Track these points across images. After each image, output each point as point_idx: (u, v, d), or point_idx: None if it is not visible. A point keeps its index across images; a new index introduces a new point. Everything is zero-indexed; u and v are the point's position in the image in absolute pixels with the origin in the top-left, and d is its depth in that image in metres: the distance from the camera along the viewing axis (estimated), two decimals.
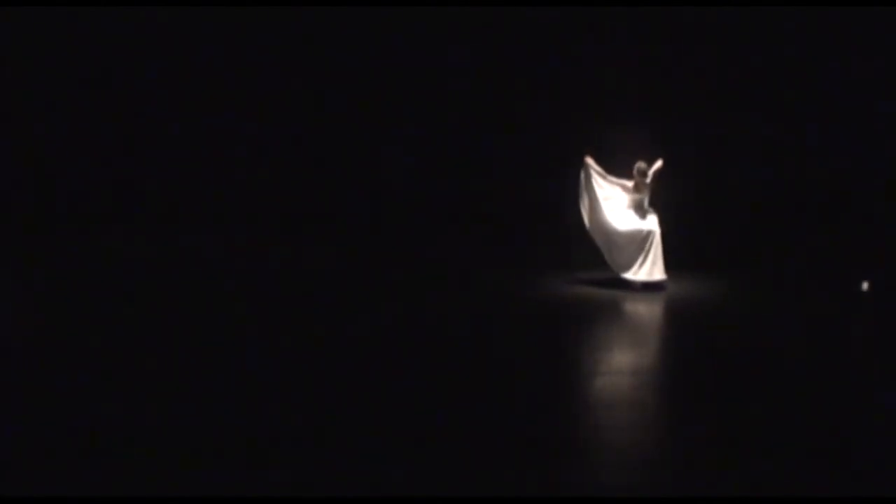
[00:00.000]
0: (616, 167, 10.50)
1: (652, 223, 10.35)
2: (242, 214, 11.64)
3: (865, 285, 9.29)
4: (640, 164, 10.33)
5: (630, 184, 10.36)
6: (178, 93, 11.73)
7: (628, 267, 10.34)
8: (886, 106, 10.09)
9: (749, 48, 11.76)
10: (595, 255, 10.59)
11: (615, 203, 10.48)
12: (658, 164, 10.40)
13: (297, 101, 11.97)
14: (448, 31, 11.78)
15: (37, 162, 11.52)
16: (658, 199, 10.51)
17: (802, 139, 11.31)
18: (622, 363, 7.73)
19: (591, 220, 10.47)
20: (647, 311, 9.66)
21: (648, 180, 10.33)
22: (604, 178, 10.44)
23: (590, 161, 10.43)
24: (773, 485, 4.71)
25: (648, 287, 10.24)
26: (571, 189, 10.62)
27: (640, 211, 10.40)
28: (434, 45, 11.87)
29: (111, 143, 11.69)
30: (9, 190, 11.48)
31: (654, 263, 10.27)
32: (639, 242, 10.28)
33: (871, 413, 6.09)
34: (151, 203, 11.69)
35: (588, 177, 10.43)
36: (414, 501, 4.48)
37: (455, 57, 11.89)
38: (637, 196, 10.36)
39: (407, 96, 11.94)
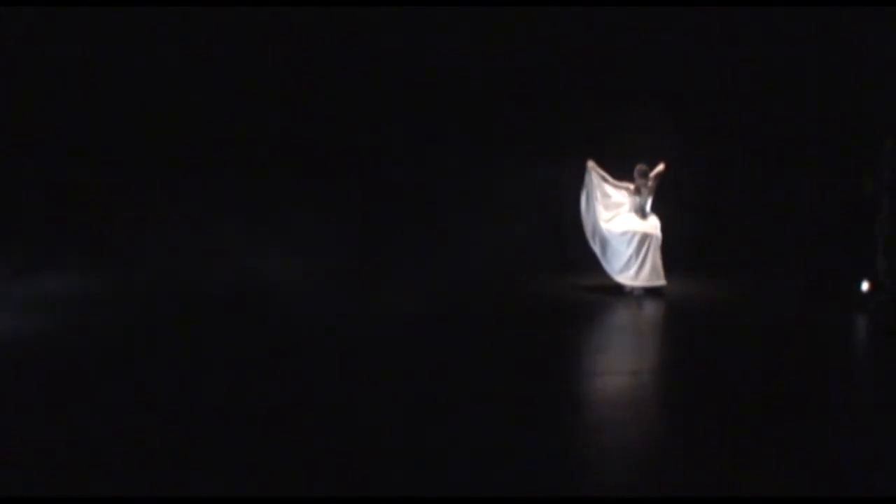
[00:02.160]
0: (621, 169, 10.52)
1: (650, 226, 10.26)
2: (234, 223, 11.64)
3: (866, 285, 9.28)
4: (641, 166, 10.27)
5: (632, 186, 10.30)
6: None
7: (623, 270, 10.21)
8: (885, 105, 10.06)
9: (750, 48, 11.77)
10: (595, 257, 10.59)
11: (617, 208, 10.40)
12: (660, 167, 10.33)
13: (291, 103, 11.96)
14: (451, 30, 11.78)
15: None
16: (660, 202, 10.50)
17: (802, 138, 11.31)
18: (622, 363, 7.73)
19: (588, 223, 10.40)
20: (647, 312, 9.65)
21: (650, 183, 10.26)
22: (606, 181, 10.36)
23: (591, 164, 10.35)
24: (774, 485, 4.71)
25: (648, 293, 10.20)
26: (571, 191, 10.63)
27: (641, 214, 10.31)
28: (438, 44, 11.87)
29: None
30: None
31: (652, 268, 10.13)
32: (635, 245, 10.15)
33: (872, 413, 6.09)
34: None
35: (590, 181, 10.36)
36: (412, 501, 4.48)
37: (457, 56, 11.89)
38: (638, 199, 10.28)
39: (407, 95, 11.94)
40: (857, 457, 5.13)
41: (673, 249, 10.60)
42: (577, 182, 10.46)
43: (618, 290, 10.29)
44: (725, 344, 8.13)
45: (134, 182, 11.46)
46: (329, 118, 11.91)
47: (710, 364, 7.36)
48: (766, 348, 7.96)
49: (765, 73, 11.72)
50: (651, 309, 9.74)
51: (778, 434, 5.48)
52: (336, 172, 11.89)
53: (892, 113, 9.36)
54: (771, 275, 11.15)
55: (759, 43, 11.72)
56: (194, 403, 6.02)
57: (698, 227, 11.86)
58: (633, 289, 10.21)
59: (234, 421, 5.65)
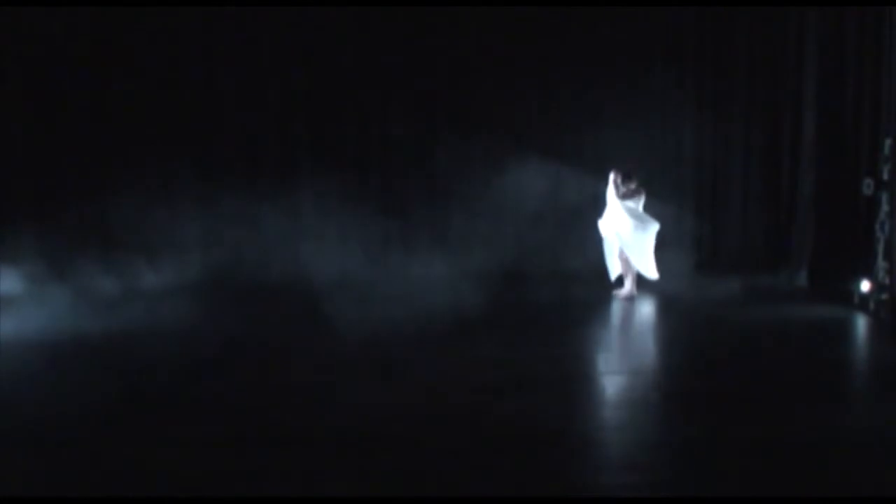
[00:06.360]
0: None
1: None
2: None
3: (866, 285, 9.27)
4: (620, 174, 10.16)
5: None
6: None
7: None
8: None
9: (748, 47, 11.79)
10: (595, 257, 10.55)
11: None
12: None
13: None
14: (457, 28, 11.78)
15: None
16: (660, 201, 10.47)
17: (801, 136, 11.31)
18: (622, 363, 7.74)
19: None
20: (647, 312, 9.68)
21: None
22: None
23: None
24: (774, 485, 4.72)
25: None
26: (568, 191, 10.63)
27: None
28: (446, 44, 11.86)
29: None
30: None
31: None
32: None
33: (872, 413, 6.10)
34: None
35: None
36: (413, 501, 4.49)
37: (460, 54, 11.89)
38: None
39: (410, 95, 11.95)
40: (856, 456, 5.14)
41: (673, 249, 10.61)
42: (576, 181, 10.49)
43: (618, 288, 10.28)
44: (725, 344, 8.14)
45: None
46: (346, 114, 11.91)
47: (709, 364, 7.37)
48: (765, 348, 7.97)
49: (764, 72, 11.71)
50: (652, 308, 9.77)
51: (778, 434, 5.48)
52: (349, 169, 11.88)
53: (891, 113, 9.34)
54: (771, 274, 11.15)
55: (758, 42, 11.72)
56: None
57: (698, 227, 11.87)
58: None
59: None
